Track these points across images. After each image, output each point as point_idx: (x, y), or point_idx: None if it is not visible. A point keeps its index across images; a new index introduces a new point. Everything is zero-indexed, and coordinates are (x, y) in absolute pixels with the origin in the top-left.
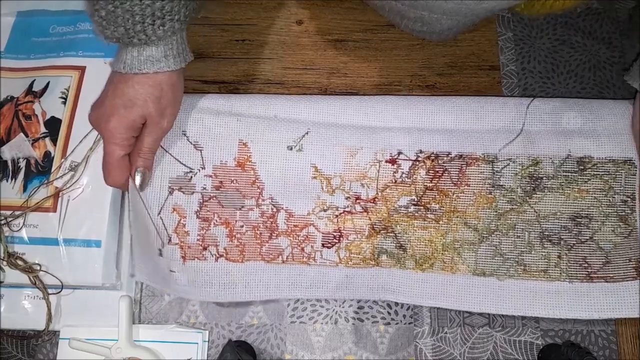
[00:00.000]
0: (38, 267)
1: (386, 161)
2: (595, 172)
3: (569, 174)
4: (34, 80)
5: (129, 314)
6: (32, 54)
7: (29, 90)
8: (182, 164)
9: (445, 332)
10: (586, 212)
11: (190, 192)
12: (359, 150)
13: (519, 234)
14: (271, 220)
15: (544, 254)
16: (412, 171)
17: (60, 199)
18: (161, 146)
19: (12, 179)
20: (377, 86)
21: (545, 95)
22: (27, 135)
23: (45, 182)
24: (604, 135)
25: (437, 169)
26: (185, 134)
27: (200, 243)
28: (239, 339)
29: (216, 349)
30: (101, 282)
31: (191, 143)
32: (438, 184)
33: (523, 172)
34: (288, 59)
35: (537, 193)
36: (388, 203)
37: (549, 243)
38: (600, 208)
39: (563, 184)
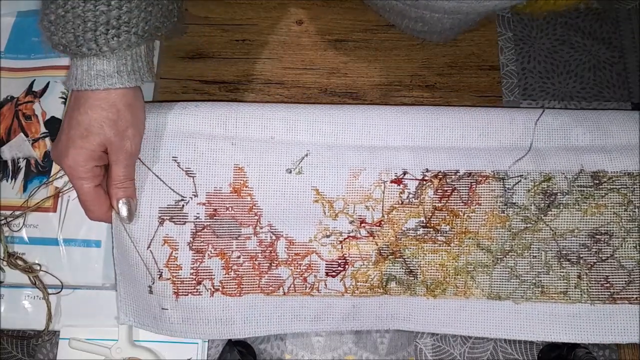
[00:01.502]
0: (38, 267)
1: (391, 181)
2: (612, 186)
3: (584, 188)
4: (34, 80)
5: None
6: (32, 54)
7: (29, 90)
8: (174, 191)
9: None
10: (605, 229)
11: (182, 222)
12: (362, 170)
13: (535, 254)
14: (270, 249)
15: (562, 274)
16: (419, 191)
17: (60, 199)
18: (152, 172)
19: (12, 179)
20: (377, 86)
21: (545, 97)
22: (27, 135)
23: (45, 182)
24: (615, 150)
25: (445, 188)
26: (176, 160)
27: (194, 277)
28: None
29: (216, 349)
30: (101, 282)
31: (182, 170)
32: (447, 204)
33: (536, 188)
34: (288, 59)
35: (552, 210)
36: (395, 226)
37: (567, 262)
38: (621, 223)
39: (579, 199)
